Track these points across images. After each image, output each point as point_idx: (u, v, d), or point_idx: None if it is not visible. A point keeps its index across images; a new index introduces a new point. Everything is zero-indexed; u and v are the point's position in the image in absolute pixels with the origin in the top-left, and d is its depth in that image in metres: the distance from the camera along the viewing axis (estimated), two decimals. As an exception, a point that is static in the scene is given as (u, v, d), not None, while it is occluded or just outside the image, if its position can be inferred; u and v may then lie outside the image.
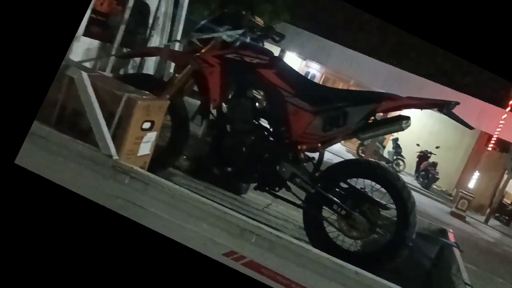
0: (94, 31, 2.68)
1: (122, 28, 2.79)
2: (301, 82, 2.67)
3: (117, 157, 1.93)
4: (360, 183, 2.53)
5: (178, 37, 3.43)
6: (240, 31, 2.64)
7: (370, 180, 2.48)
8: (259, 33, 2.73)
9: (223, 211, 1.82)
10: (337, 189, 2.48)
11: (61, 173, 1.95)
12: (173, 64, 3.16)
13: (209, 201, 1.88)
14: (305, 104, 2.49)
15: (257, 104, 2.69)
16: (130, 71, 3.14)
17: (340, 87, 12.35)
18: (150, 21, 3.19)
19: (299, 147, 2.53)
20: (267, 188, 2.62)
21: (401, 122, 2.44)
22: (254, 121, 2.67)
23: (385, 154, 14.05)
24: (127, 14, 2.79)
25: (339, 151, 10.98)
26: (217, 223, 1.82)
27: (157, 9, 3.15)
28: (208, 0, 8.90)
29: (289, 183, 2.53)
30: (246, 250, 1.81)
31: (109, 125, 1.98)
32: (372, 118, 2.50)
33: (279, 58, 2.78)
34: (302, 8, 13.02)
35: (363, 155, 13.07)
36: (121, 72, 3.05)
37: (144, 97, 2.12)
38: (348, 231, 2.45)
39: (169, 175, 2.76)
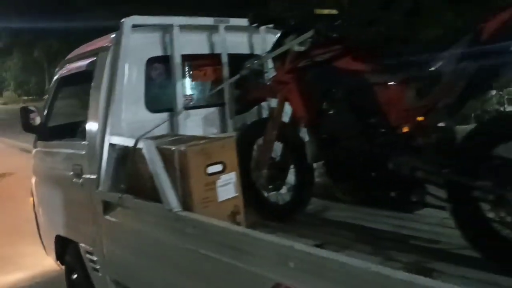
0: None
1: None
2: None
3: (179, 209, 1.90)
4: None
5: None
6: (309, 33, 2.24)
7: None
8: (340, 21, 2.30)
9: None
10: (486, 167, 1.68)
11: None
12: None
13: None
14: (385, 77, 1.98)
15: (351, 104, 2.14)
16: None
17: None
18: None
19: (402, 129, 1.95)
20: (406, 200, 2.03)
21: None
22: (359, 124, 2.12)
23: None
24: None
25: None
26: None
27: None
28: None
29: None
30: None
31: (174, 180, 2.00)
32: None
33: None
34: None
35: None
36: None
37: (201, 142, 2.08)
38: None
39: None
